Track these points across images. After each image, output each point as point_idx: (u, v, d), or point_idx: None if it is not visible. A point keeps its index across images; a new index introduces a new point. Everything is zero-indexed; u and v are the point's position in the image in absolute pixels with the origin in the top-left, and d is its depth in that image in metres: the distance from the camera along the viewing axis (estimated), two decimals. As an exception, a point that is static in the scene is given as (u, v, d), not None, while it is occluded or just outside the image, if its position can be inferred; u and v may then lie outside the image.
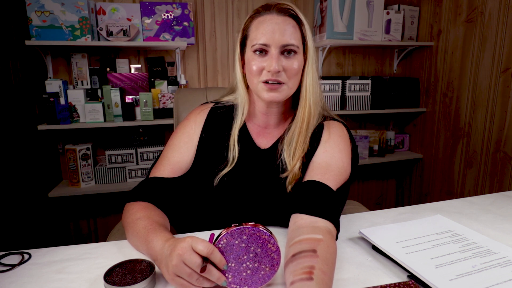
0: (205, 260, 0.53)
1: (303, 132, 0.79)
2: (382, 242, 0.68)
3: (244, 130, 0.85)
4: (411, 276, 0.60)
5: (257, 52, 0.75)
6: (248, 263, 0.56)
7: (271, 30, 0.73)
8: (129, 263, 0.60)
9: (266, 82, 0.74)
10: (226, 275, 0.56)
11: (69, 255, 0.69)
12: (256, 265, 0.56)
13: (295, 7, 0.77)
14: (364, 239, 0.73)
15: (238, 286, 0.56)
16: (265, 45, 0.73)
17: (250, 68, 0.76)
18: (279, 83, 0.74)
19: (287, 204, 0.74)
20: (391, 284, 0.58)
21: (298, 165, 0.77)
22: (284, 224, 0.74)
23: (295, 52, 0.75)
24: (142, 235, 0.65)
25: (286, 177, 0.79)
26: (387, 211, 0.90)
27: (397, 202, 2.61)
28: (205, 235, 0.77)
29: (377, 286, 0.57)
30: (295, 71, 0.75)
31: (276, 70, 0.72)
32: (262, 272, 0.57)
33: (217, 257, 0.53)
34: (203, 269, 0.52)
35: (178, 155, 0.83)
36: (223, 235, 0.55)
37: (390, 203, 2.61)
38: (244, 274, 0.56)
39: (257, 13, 0.77)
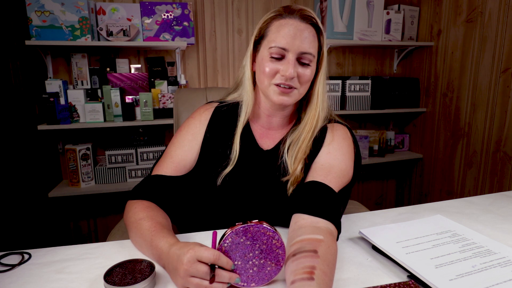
0: (212, 268, 0.53)
1: (307, 138, 0.79)
2: (382, 242, 0.68)
3: (247, 131, 0.85)
4: (411, 276, 0.60)
5: (274, 55, 0.74)
6: (254, 260, 0.57)
7: (293, 35, 0.73)
8: (129, 263, 0.60)
9: (278, 85, 0.75)
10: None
11: (69, 255, 0.69)
12: (262, 261, 0.57)
13: (316, 16, 0.77)
14: (364, 239, 0.73)
15: (245, 284, 0.57)
16: (283, 49, 0.73)
17: (263, 68, 0.75)
18: (291, 87, 0.75)
19: (288, 206, 0.74)
20: (391, 284, 0.58)
21: (299, 167, 0.78)
22: (285, 224, 0.74)
23: (310, 60, 0.75)
24: (147, 236, 0.65)
25: (288, 179, 0.79)
26: (387, 211, 0.90)
27: (397, 202, 2.61)
28: (207, 235, 0.77)
29: (377, 286, 0.57)
30: (308, 78, 0.76)
31: (291, 76, 0.73)
32: (268, 268, 0.58)
33: (223, 261, 0.54)
34: (212, 280, 0.53)
35: (182, 153, 0.83)
36: (228, 234, 0.56)
37: (390, 203, 2.61)
38: (251, 271, 0.57)
39: (279, 14, 0.76)
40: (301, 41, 0.73)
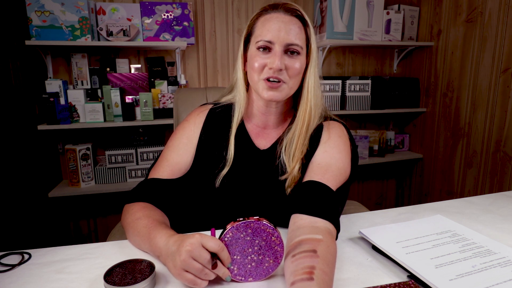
0: (213, 256, 0.55)
1: (302, 134, 0.79)
2: (382, 242, 0.68)
3: (243, 130, 0.85)
4: (411, 276, 0.60)
5: (261, 49, 0.75)
6: (252, 256, 0.58)
7: (277, 28, 0.73)
8: (129, 263, 0.60)
9: (267, 79, 0.74)
10: (232, 267, 0.58)
11: (69, 255, 0.69)
12: (260, 257, 0.59)
13: (301, 8, 0.77)
14: (364, 239, 0.73)
15: (243, 278, 0.59)
16: (269, 42, 0.74)
17: (252, 64, 0.76)
18: (280, 81, 0.74)
19: (286, 206, 0.74)
20: (391, 284, 0.58)
21: (297, 167, 0.77)
22: (284, 225, 0.74)
23: (298, 52, 0.75)
24: (144, 233, 0.65)
25: (286, 179, 0.79)
26: (387, 211, 0.90)
27: (397, 202, 2.61)
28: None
29: (377, 286, 0.57)
30: (297, 71, 0.76)
31: (278, 68, 0.72)
32: (266, 264, 0.59)
33: (225, 254, 0.56)
34: (214, 266, 0.55)
35: (177, 156, 0.83)
36: (229, 229, 0.57)
37: (390, 203, 2.61)
38: (249, 266, 0.58)
39: (264, 10, 0.77)
40: (286, 33, 0.73)
